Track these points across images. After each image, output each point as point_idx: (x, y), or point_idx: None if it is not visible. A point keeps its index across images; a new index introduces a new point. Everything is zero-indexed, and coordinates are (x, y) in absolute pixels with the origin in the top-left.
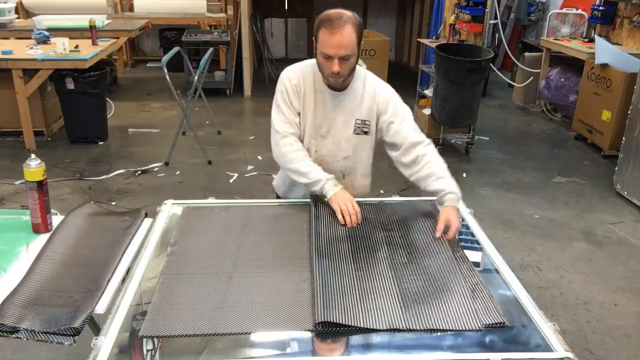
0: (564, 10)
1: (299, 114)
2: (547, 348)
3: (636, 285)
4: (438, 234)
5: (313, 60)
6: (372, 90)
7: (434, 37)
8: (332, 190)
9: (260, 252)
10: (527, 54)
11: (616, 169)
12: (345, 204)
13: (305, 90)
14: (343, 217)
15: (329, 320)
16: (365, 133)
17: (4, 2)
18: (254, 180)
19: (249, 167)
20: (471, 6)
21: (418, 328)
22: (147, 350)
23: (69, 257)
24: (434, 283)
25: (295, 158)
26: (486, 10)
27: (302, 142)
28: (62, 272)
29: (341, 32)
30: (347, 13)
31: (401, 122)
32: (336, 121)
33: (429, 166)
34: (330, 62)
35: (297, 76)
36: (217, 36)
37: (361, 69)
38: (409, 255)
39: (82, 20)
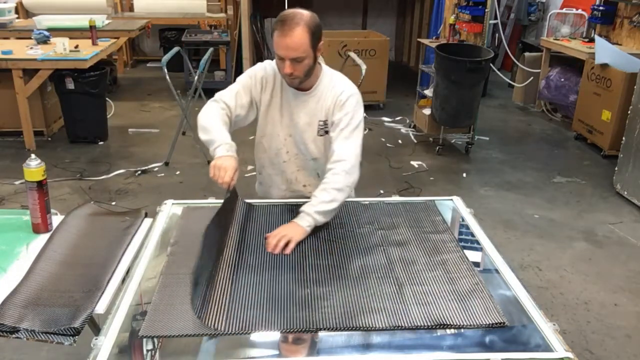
0: (564, 10)
1: (254, 104)
2: (547, 348)
3: (636, 285)
4: (269, 248)
5: None
6: (335, 91)
7: (434, 37)
8: (220, 153)
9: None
10: (527, 54)
11: (616, 169)
12: (219, 169)
13: (274, 86)
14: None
15: (325, 323)
16: (327, 133)
17: (4, 2)
18: (254, 180)
19: (249, 167)
20: (471, 6)
21: (418, 324)
22: (147, 350)
23: (69, 257)
24: (433, 283)
25: (208, 115)
26: (486, 10)
27: (273, 139)
28: (62, 272)
29: (291, 34)
30: (302, 13)
31: (342, 128)
32: (300, 123)
33: (323, 181)
34: (283, 63)
35: (270, 70)
36: (217, 36)
37: (330, 71)
38: (408, 255)
39: (82, 20)
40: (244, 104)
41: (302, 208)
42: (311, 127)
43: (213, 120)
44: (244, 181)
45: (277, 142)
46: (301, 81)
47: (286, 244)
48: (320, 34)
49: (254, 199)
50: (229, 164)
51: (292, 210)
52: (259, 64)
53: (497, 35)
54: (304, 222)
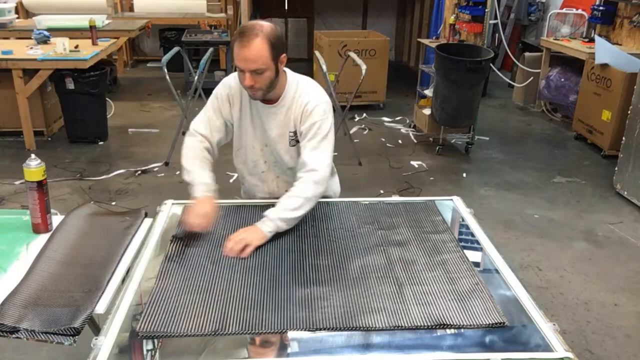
0: (564, 10)
1: (228, 123)
2: (547, 348)
3: (636, 285)
4: (224, 250)
5: None
6: (302, 101)
7: (434, 37)
8: (196, 195)
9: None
10: (527, 54)
11: (616, 169)
12: (191, 216)
13: (241, 101)
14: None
15: (325, 323)
16: (298, 142)
17: (4, 2)
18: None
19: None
20: (471, 6)
21: (418, 324)
22: (147, 350)
23: (69, 257)
24: (433, 283)
25: (188, 155)
26: (486, 10)
27: (248, 151)
28: (62, 272)
29: (249, 45)
30: (262, 25)
31: (310, 138)
32: (272, 134)
33: (292, 188)
34: (243, 75)
35: (235, 85)
36: (217, 36)
37: (296, 79)
38: (408, 255)
39: (82, 20)
40: (219, 127)
41: (266, 212)
42: (283, 139)
43: (191, 159)
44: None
45: (253, 153)
46: (264, 94)
47: (244, 248)
48: (282, 46)
49: (253, 199)
50: (202, 211)
51: None
52: (222, 82)
53: (497, 35)
54: (265, 227)
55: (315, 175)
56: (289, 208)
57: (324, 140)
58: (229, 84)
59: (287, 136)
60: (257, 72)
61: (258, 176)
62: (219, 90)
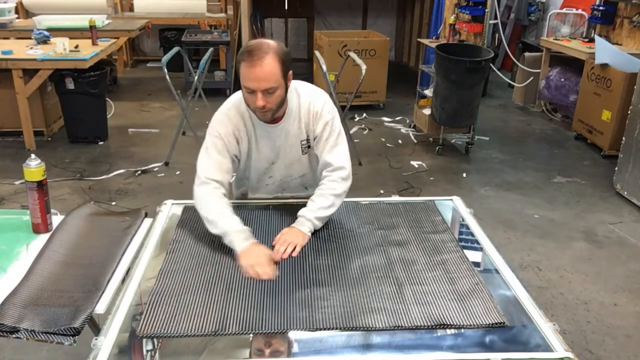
0: (564, 10)
1: (235, 159)
2: (547, 348)
3: (636, 285)
4: (275, 255)
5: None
6: (308, 105)
7: (434, 37)
8: (240, 245)
9: None
10: (527, 54)
11: (616, 169)
12: (254, 267)
13: (247, 131)
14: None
15: (325, 323)
16: (310, 147)
17: (4, 2)
18: None
19: None
20: (471, 6)
21: (418, 324)
22: (147, 351)
23: (69, 257)
24: (433, 283)
25: (207, 204)
26: (486, 10)
27: (252, 173)
28: (62, 272)
29: (261, 63)
30: (269, 42)
31: (326, 138)
32: (283, 148)
33: (319, 187)
34: (254, 96)
35: (233, 119)
36: (217, 36)
37: (291, 86)
38: (408, 255)
39: (82, 20)
40: (229, 169)
41: (301, 213)
42: (294, 149)
43: (212, 207)
44: None
45: (258, 172)
46: (273, 113)
47: (293, 249)
48: (289, 63)
49: (253, 199)
50: (260, 258)
51: (288, 211)
52: (217, 119)
53: (497, 35)
54: (304, 228)
55: (343, 172)
56: (322, 207)
57: (339, 136)
58: (228, 120)
59: (298, 145)
60: (268, 92)
61: (262, 189)
62: (220, 130)
